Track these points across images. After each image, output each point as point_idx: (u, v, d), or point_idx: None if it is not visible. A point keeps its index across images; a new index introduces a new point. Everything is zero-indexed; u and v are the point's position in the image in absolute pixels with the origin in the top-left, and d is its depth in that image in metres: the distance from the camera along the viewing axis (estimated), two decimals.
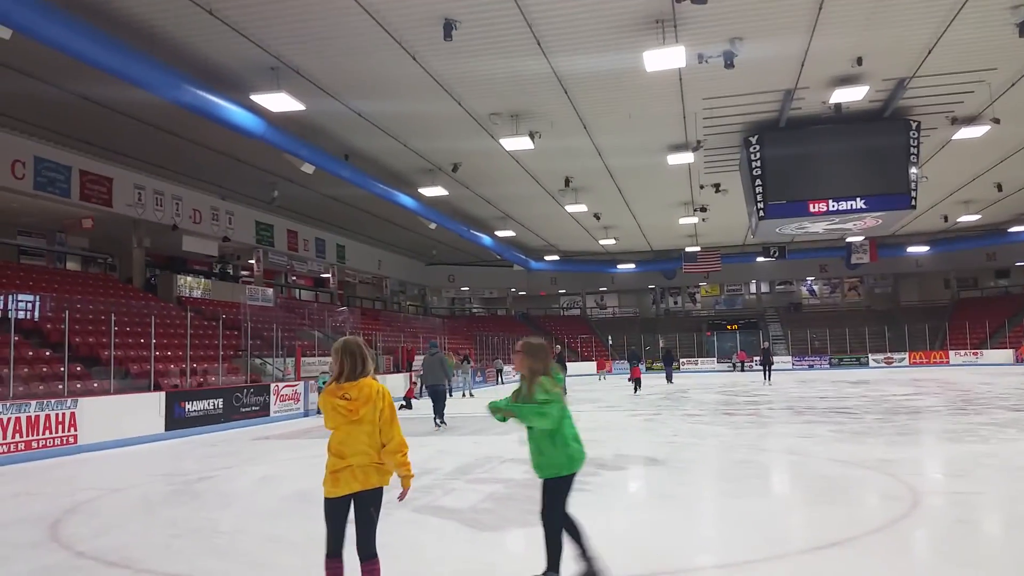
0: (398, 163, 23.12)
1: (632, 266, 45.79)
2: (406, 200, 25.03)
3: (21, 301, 17.56)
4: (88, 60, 12.42)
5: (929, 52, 15.75)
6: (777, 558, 5.67)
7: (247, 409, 17.93)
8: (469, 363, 29.88)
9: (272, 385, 19.51)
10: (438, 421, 15.81)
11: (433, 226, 29.29)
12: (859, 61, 16.00)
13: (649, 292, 56.49)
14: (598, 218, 32.50)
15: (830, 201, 19.90)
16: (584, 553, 4.83)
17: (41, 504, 8.60)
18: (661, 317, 55.34)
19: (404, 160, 22.81)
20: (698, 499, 8.32)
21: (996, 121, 18.93)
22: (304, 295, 40.37)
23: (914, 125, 19.28)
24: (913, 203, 19.87)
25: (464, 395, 27.19)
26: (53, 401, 13.08)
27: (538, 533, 6.53)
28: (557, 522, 4.79)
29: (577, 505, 7.53)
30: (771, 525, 6.77)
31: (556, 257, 44.40)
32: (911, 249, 41.80)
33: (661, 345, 44.77)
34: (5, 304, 17.27)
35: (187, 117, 16.57)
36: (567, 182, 25.79)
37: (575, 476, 4.90)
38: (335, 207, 29.28)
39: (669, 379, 32.25)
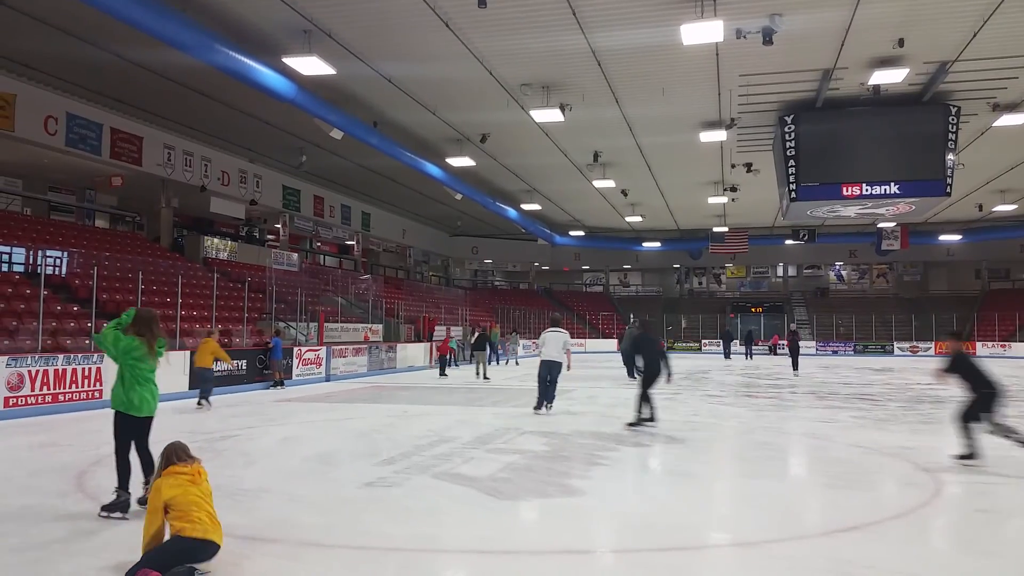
0: (426, 132, 23.02)
1: (657, 244, 45.43)
2: (433, 169, 24.97)
3: (50, 256, 17.85)
4: (123, 17, 12.46)
5: (974, 35, 15.29)
6: (794, 539, 5.64)
7: (270, 371, 18.11)
8: (518, 335, 32.89)
9: (295, 349, 19.70)
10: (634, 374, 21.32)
11: (459, 197, 29.21)
12: (900, 43, 15.58)
13: (673, 271, 56.06)
14: (625, 194, 32.21)
15: (864, 185, 19.52)
16: (122, 485, 5.95)
17: (68, 456, 8.79)
18: (685, 297, 54.98)
19: (432, 129, 22.71)
20: (715, 478, 8.29)
21: None
22: (328, 261, 40.63)
23: (953, 110, 18.79)
24: (948, 190, 19.42)
25: (507, 363, 30.07)
26: (80, 356, 13.32)
27: (554, 503, 6.60)
28: (120, 450, 5.94)
29: (594, 478, 7.61)
30: (789, 506, 6.74)
31: (581, 233, 44.19)
32: (943, 237, 41.02)
33: (684, 325, 44.75)
34: (35, 259, 17.57)
35: (218, 78, 16.62)
36: (596, 157, 25.55)
37: (143, 421, 5.99)
38: (362, 174, 29.30)
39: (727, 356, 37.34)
